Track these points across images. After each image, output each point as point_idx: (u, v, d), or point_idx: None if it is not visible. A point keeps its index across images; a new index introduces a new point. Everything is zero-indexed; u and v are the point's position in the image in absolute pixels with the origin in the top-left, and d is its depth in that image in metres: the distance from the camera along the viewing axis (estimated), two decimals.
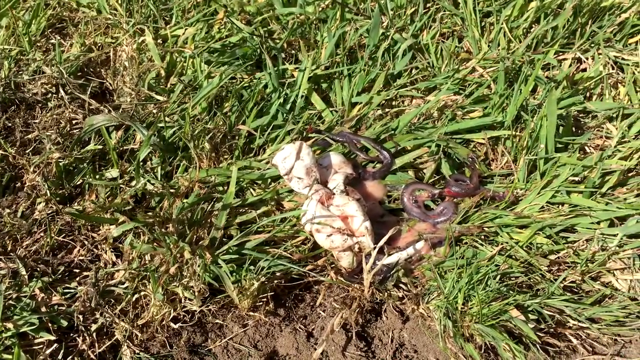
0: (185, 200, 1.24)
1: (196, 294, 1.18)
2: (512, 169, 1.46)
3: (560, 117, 1.48)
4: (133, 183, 1.32)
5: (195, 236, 1.21)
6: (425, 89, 1.60)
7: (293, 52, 1.65)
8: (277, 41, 1.62)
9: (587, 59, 1.72)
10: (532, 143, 1.46)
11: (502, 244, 1.31)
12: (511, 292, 1.20)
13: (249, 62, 1.58)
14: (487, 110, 1.54)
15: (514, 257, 1.30)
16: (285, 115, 1.48)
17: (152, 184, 1.32)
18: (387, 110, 1.55)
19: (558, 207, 1.38)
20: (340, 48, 1.60)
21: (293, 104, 1.51)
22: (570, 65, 1.69)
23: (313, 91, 1.54)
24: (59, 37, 1.66)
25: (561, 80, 1.61)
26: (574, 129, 1.53)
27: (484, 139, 1.49)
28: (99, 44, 1.64)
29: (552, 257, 1.32)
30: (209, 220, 1.26)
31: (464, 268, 1.23)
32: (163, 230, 1.21)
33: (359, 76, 1.56)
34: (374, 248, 1.17)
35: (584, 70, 1.72)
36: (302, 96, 1.52)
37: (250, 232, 1.24)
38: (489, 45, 1.69)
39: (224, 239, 1.24)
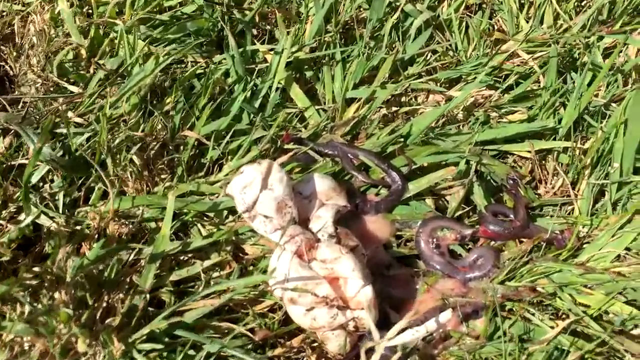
0: (87, 254, 0.81)
1: None
2: (569, 195, 1.04)
3: None
4: (22, 217, 0.89)
5: (101, 309, 0.78)
6: (446, 80, 1.18)
7: (268, 27, 1.22)
8: (247, 12, 1.19)
9: None
10: (598, 159, 1.04)
11: (563, 313, 0.90)
12: None
13: (205, 40, 1.14)
14: (533, 112, 1.12)
15: (581, 332, 0.88)
16: (252, 116, 1.04)
17: (52, 218, 0.89)
18: (395, 109, 1.13)
19: None
20: (331, 23, 1.16)
21: (265, 99, 1.08)
22: (637, 54, 1.26)
23: (293, 82, 1.11)
24: None
25: (629, 72, 1.19)
26: None
27: (529, 151, 1.07)
28: (3, 12, 1.20)
29: (636, 331, 0.90)
30: (127, 280, 0.83)
31: (516, 357, 0.81)
32: (52, 298, 0.78)
33: (357, 62, 1.12)
34: (380, 340, 0.74)
35: None
36: (278, 89, 1.09)
37: (195, 297, 0.82)
38: (531, 26, 1.25)
39: (149, 310, 0.82)
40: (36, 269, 0.82)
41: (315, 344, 0.86)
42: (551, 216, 1.01)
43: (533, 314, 0.88)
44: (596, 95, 1.16)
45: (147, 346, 0.76)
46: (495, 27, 1.31)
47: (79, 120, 0.97)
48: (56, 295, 0.79)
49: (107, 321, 0.77)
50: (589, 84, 1.12)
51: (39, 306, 0.77)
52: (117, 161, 0.91)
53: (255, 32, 1.22)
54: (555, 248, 0.95)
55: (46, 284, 0.80)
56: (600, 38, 1.24)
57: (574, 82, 1.14)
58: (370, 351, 0.75)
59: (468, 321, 0.87)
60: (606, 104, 1.12)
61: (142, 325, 0.78)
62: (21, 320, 0.76)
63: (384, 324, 0.83)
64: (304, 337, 0.85)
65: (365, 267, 0.86)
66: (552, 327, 0.86)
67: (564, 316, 0.90)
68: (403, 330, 0.84)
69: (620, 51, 1.27)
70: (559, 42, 1.19)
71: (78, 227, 0.88)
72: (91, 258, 0.78)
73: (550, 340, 0.83)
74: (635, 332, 0.90)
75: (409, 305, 0.90)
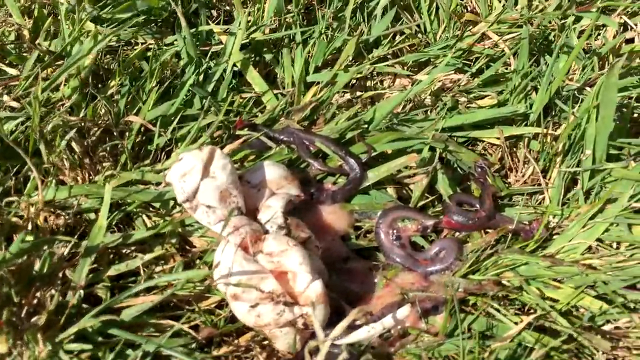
0: (12, 246, 0.75)
1: None
2: (540, 184, 0.99)
3: None
4: None
5: (27, 306, 0.72)
6: (414, 63, 1.12)
7: (227, 7, 1.15)
8: None
9: (635, 25, 1.24)
10: (570, 146, 0.99)
11: (529, 308, 0.85)
12: None
13: (157, 20, 1.08)
14: (503, 97, 1.06)
15: (549, 328, 0.83)
16: (203, 100, 0.98)
17: None
18: (358, 94, 1.07)
19: (613, 247, 0.91)
20: (292, 3, 1.10)
21: (218, 83, 1.02)
22: (615, 35, 1.20)
23: (250, 64, 1.04)
24: None
25: (606, 54, 1.14)
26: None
27: (498, 138, 1.01)
28: None
29: (607, 327, 0.85)
30: (60, 275, 0.77)
31: (476, 355, 0.76)
32: None
33: (318, 43, 1.07)
34: (325, 338, 0.68)
35: (631, 40, 1.24)
36: (233, 71, 1.03)
37: (131, 293, 0.75)
38: (503, 5, 1.20)
39: (84, 308, 0.76)
40: None
41: (265, 342, 0.80)
42: (522, 206, 0.96)
43: (497, 310, 0.83)
44: (571, 80, 1.11)
45: (76, 346, 0.70)
46: (468, 9, 1.25)
47: (15, 104, 0.90)
48: None
49: (33, 319, 0.71)
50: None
51: None
52: (52, 148, 0.85)
53: (215, 13, 1.16)
54: (522, 239, 0.90)
55: None
56: (578, 20, 1.19)
57: (547, 65, 1.09)
58: (316, 351, 0.70)
59: (427, 317, 0.82)
60: (580, 88, 1.07)
61: (75, 324, 0.72)
62: None
63: (339, 321, 0.77)
64: (253, 335, 0.80)
65: (318, 260, 0.81)
66: (517, 323, 0.81)
67: (531, 311, 0.85)
68: (357, 327, 0.79)
69: (599, 34, 1.23)
70: (532, 24, 1.14)
71: (6, 219, 0.82)
72: (13, 251, 0.72)
73: (513, 337, 0.78)
74: (606, 327, 0.85)
75: (367, 300, 0.85)
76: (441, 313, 0.82)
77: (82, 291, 0.76)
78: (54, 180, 0.85)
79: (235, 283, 0.73)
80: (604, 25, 1.23)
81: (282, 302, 0.73)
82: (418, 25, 1.15)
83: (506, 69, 1.11)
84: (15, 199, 0.82)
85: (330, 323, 0.77)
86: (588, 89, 1.07)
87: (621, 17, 1.24)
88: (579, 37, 1.16)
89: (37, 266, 0.76)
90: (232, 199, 0.79)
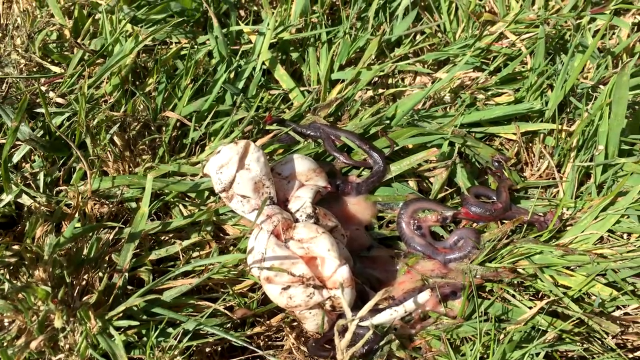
0: (65, 231, 0.81)
1: None
2: (554, 178, 1.03)
3: None
4: (3, 196, 0.89)
5: (78, 287, 0.79)
6: (434, 62, 1.17)
7: (254, 8, 1.21)
8: None
9: None
10: (584, 142, 1.03)
11: (543, 294, 0.90)
12: None
13: (189, 20, 1.14)
14: (519, 94, 1.11)
15: (561, 313, 0.88)
16: (234, 96, 1.04)
17: (33, 198, 0.89)
18: (380, 91, 1.12)
19: (624, 238, 0.96)
20: (317, 3, 1.16)
21: (248, 80, 1.07)
22: (629, 35, 1.24)
23: (278, 63, 1.10)
24: None
25: (620, 54, 1.18)
26: None
27: (515, 134, 1.06)
28: None
29: (617, 313, 0.90)
30: (106, 259, 0.83)
31: (492, 336, 0.81)
32: (31, 276, 0.78)
33: (342, 43, 1.12)
34: (353, 319, 0.74)
35: None
36: (262, 70, 1.08)
37: (172, 275, 0.82)
38: (521, 6, 1.24)
39: (129, 289, 0.82)
40: (15, 247, 0.83)
41: (295, 324, 0.86)
42: (537, 198, 1.00)
43: (513, 295, 0.88)
44: (586, 78, 1.15)
45: (124, 323, 0.76)
46: (486, 9, 1.29)
47: (60, 100, 0.97)
48: (35, 273, 0.79)
49: (84, 298, 0.77)
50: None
51: (18, 284, 0.77)
52: (97, 141, 0.91)
53: (242, 13, 1.22)
54: (537, 230, 0.95)
55: (26, 262, 0.80)
56: (592, 20, 1.23)
57: (562, 64, 1.13)
58: (344, 330, 0.75)
59: (446, 302, 0.87)
60: (594, 86, 1.11)
61: (121, 303, 0.79)
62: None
63: (364, 305, 0.83)
64: (283, 317, 0.86)
65: (344, 247, 0.86)
66: (530, 308, 0.86)
67: (544, 298, 0.90)
68: (381, 310, 0.84)
69: (613, 33, 1.26)
70: (548, 24, 1.18)
71: (58, 207, 0.88)
72: (67, 236, 0.78)
73: (527, 320, 0.83)
74: (615, 313, 0.90)
75: (389, 286, 0.90)
76: (459, 298, 0.87)
77: (127, 274, 0.82)
78: (97, 172, 0.91)
79: (268, 267, 0.78)
80: (617, 26, 1.27)
81: (311, 285, 0.79)
82: (438, 25, 1.20)
83: (523, 67, 1.15)
84: (65, 188, 0.88)
85: (355, 307, 0.83)
86: (602, 87, 1.11)
87: (635, 17, 1.28)
88: (593, 37, 1.20)
89: (85, 250, 0.83)
90: (265, 189, 0.85)
